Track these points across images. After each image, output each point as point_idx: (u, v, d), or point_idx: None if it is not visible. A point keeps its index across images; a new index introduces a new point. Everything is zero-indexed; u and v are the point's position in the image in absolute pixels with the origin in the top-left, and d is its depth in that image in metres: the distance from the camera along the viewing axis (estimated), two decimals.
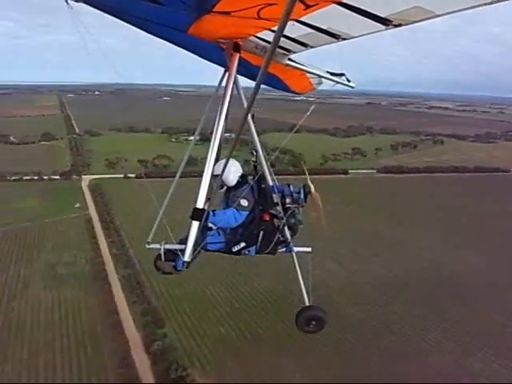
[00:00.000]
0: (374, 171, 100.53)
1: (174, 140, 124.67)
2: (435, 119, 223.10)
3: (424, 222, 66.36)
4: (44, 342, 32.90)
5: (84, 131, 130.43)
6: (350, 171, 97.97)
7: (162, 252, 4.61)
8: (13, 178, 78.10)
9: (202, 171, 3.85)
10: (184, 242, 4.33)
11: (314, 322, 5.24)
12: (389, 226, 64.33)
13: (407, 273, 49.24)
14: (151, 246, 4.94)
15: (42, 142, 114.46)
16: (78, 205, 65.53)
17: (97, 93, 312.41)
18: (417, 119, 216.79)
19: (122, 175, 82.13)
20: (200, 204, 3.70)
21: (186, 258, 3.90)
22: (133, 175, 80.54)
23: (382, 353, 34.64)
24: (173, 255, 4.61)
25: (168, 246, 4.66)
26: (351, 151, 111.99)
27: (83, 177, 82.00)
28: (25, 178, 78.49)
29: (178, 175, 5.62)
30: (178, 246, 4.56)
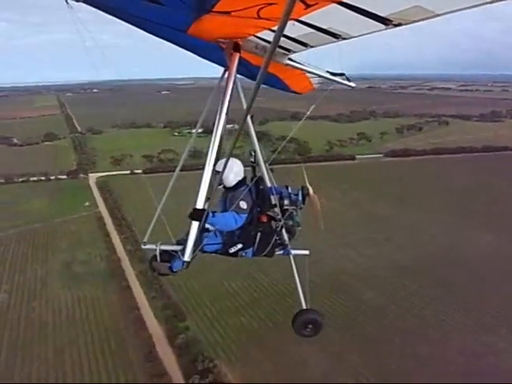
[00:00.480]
0: (381, 155, 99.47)
1: (176, 134, 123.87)
2: (438, 100, 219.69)
3: (434, 204, 65.77)
4: (68, 341, 33.11)
5: (86, 129, 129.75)
6: (356, 157, 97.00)
7: (157, 253, 4.53)
8: (20, 179, 78.00)
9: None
10: (181, 242, 4.33)
11: (310, 326, 5.17)
12: (399, 209, 63.85)
13: (422, 256, 48.89)
14: (147, 246, 4.82)
15: (46, 143, 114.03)
16: (87, 203, 65.45)
17: (95, 91, 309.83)
18: (419, 101, 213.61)
19: (128, 171, 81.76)
20: (200, 204, 3.66)
21: (186, 257, 3.84)
22: (139, 171, 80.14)
23: (404, 335, 34.62)
24: (169, 256, 4.55)
25: (164, 247, 4.59)
26: (356, 136, 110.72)
27: (90, 175, 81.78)
28: (32, 179, 78.39)
29: (178, 169, 5.60)
30: (174, 247, 4.50)
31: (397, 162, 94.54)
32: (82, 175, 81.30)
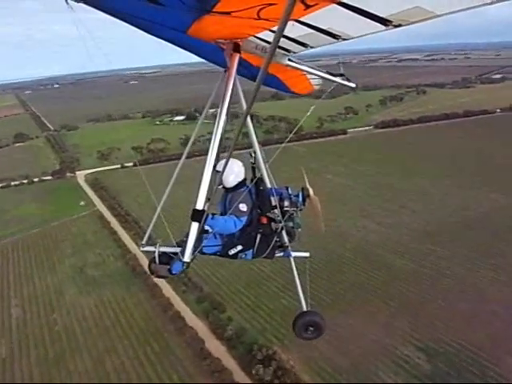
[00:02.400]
0: (371, 127, 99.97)
1: (158, 123, 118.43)
2: (408, 71, 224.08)
3: (434, 169, 67.03)
4: (104, 349, 30.50)
5: (60, 126, 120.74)
6: (348, 131, 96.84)
7: (156, 255, 4.47)
8: (0, 185, 71.22)
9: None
10: (180, 244, 4.24)
11: (311, 328, 5.09)
12: (404, 177, 64.45)
13: (438, 219, 49.61)
14: (145, 248, 4.76)
15: (17, 144, 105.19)
16: (82, 202, 60.85)
17: (56, 86, 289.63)
18: (391, 73, 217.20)
19: (118, 165, 76.89)
20: (200, 205, 3.57)
21: (186, 258, 3.77)
22: (130, 164, 75.78)
23: (444, 296, 34.95)
24: (168, 258, 4.49)
25: (163, 249, 4.52)
26: (344, 111, 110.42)
27: (77, 173, 76.06)
28: (13, 183, 71.88)
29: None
30: (174, 249, 4.41)
31: (387, 133, 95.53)
32: (68, 174, 75.44)
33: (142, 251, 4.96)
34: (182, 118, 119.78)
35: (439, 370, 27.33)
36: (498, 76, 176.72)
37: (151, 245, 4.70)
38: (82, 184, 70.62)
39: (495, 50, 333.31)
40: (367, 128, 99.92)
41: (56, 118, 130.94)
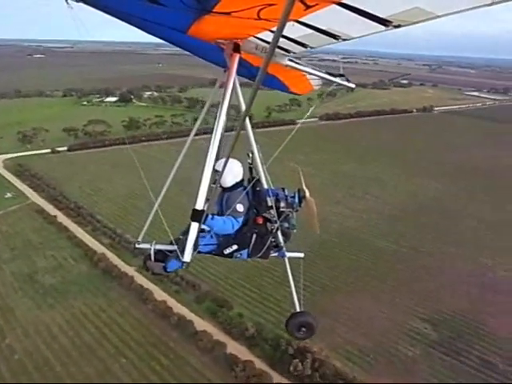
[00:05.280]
0: (317, 119, 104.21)
1: (86, 103, 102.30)
2: (332, 71, 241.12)
3: (385, 158, 73.58)
4: (96, 372, 24.37)
5: None
6: (296, 121, 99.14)
7: (152, 252, 4.45)
8: None
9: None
10: (176, 242, 4.28)
11: (304, 329, 5.24)
12: (360, 166, 69.10)
13: (398, 204, 54.37)
14: (141, 245, 4.73)
15: None
16: (9, 194, 48.28)
17: None
18: None
19: (47, 150, 63.63)
20: (199, 205, 3.53)
21: (186, 258, 3.70)
22: (64, 148, 63.73)
23: (426, 271, 38.40)
24: (163, 256, 4.48)
25: (159, 247, 4.49)
26: (289, 102, 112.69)
27: None
28: None
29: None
30: (169, 247, 4.39)
31: (332, 125, 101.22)
32: None
33: (137, 248, 4.77)
34: (114, 99, 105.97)
35: (444, 335, 29.98)
36: (405, 81, 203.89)
37: (146, 242, 4.57)
38: (1, 172, 56.11)
39: (395, 59, 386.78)
40: (313, 119, 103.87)
41: None
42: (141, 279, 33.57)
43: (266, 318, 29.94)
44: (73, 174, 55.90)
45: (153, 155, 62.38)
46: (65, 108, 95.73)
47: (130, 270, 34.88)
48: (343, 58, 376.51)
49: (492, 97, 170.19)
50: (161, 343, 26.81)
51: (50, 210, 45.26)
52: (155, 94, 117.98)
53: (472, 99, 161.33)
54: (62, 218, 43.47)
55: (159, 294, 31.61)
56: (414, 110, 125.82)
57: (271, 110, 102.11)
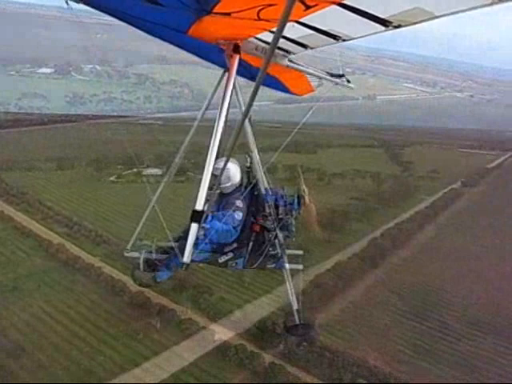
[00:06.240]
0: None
1: (14, 73, 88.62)
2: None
3: None
4: (75, 377, 21.81)
5: None
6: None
7: (141, 261, 4.39)
8: None
9: None
10: (168, 251, 4.30)
11: (304, 344, 5.57)
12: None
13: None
14: (130, 254, 4.72)
15: None
16: None
17: None
18: None
19: None
20: (199, 206, 3.62)
21: (186, 259, 3.74)
22: None
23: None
24: (152, 265, 4.42)
25: (149, 255, 4.45)
26: None
27: None
28: None
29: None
30: (160, 256, 4.41)
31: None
32: None
33: (126, 256, 4.56)
34: (49, 70, 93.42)
35: None
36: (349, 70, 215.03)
37: (136, 250, 4.27)
38: None
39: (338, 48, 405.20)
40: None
41: None
42: (110, 270, 30.71)
43: (247, 300, 29.75)
44: (10, 155, 48.35)
45: (102, 135, 56.79)
46: None
47: (96, 261, 31.64)
48: None
49: (424, 89, 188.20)
50: (143, 336, 25.00)
51: None
52: (98, 67, 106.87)
53: (407, 90, 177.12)
54: (2, 206, 37.40)
55: (134, 286, 29.26)
56: (360, 98, 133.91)
57: None
